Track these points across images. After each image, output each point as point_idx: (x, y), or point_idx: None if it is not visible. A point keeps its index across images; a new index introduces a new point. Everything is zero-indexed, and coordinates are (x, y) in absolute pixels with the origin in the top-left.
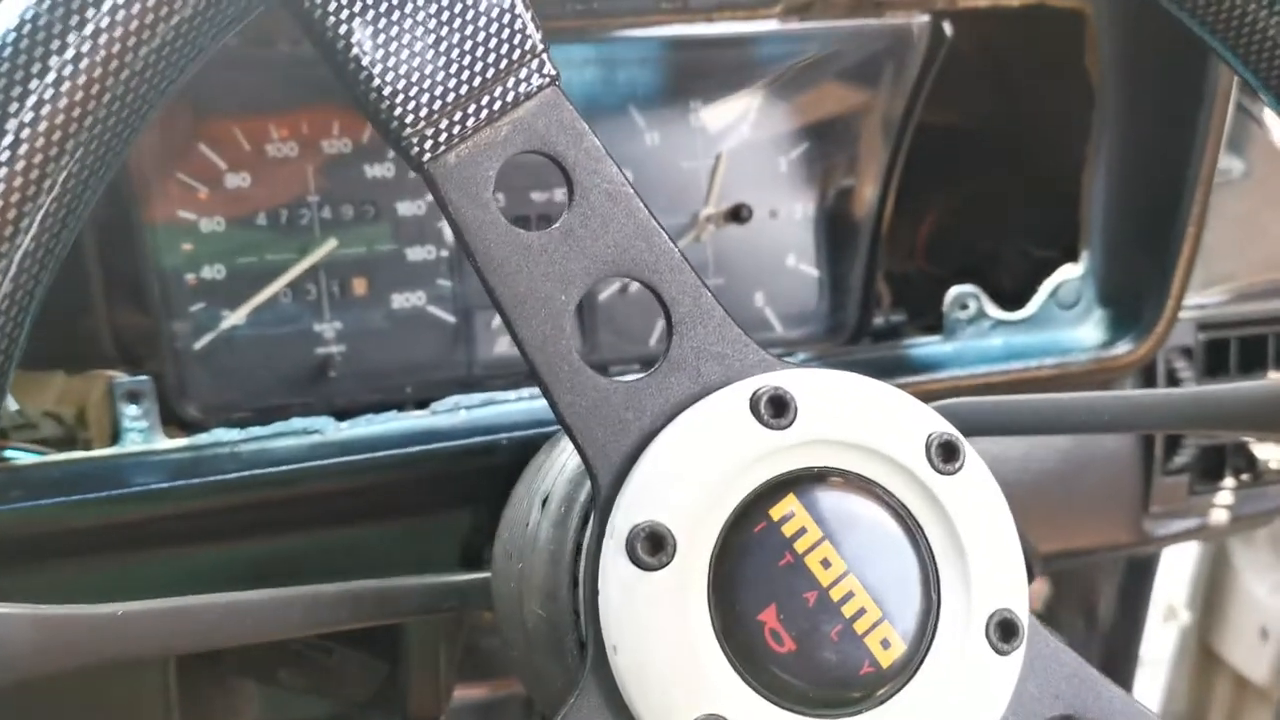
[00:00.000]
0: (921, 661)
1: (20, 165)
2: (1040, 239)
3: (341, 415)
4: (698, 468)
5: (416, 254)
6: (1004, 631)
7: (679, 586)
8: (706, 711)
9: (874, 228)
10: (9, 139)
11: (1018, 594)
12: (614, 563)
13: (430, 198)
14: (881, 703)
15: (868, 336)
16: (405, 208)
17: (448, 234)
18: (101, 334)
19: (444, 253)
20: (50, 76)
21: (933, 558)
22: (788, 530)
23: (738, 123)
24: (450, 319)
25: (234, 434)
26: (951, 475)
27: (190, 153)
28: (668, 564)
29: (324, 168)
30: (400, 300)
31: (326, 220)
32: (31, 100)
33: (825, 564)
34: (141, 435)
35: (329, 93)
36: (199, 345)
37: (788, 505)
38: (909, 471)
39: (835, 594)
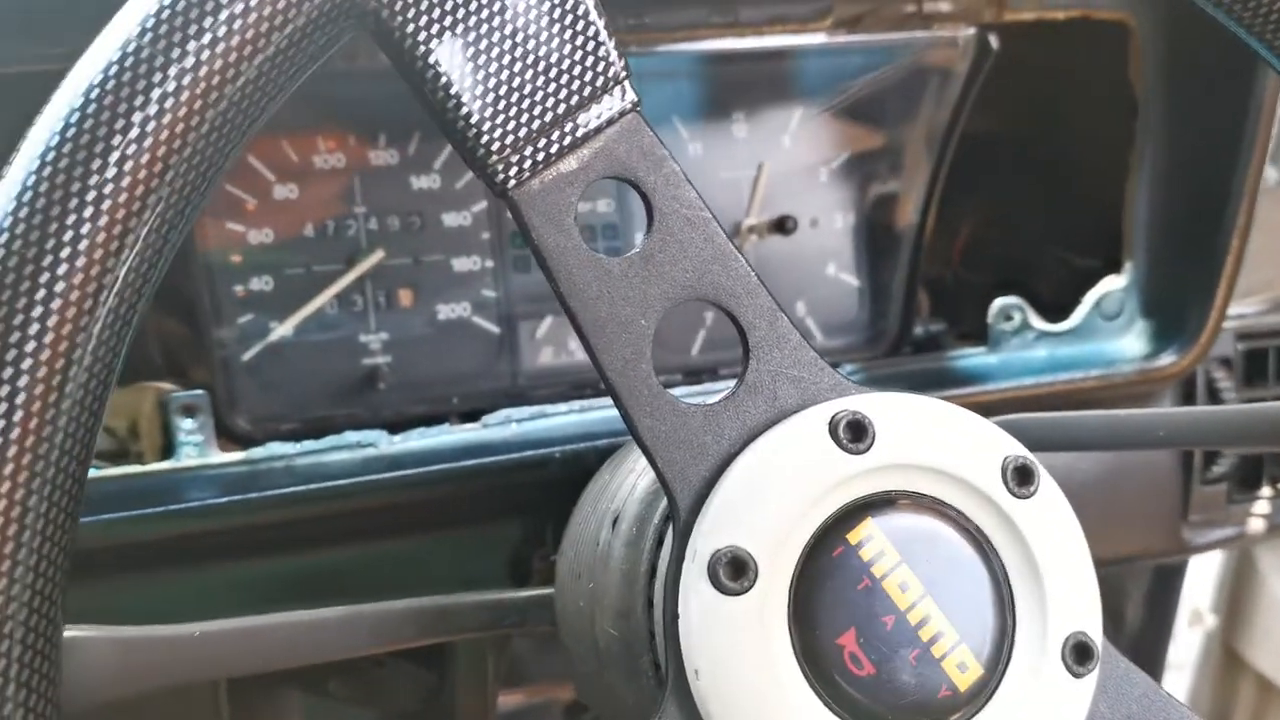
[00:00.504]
0: (998, 685)
1: (124, 194)
2: (1080, 248)
3: (389, 426)
4: (778, 492)
5: (462, 264)
6: (1079, 654)
7: (760, 611)
8: None
9: (916, 237)
10: (113, 170)
11: (1092, 616)
12: (695, 587)
13: (476, 208)
14: None
15: (908, 346)
16: (451, 219)
17: (493, 244)
18: (150, 345)
19: (489, 263)
20: (152, 108)
21: (1008, 581)
22: (866, 554)
23: (779, 133)
24: (495, 329)
25: (288, 448)
26: (1027, 499)
27: (239, 165)
28: (749, 589)
29: (370, 179)
30: (446, 311)
31: (373, 231)
32: (134, 132)
33: (903, 587)
34: (197, 449)
35: (376, 106)
36: (247, 356)
37: (865, 529)
38: (985, 495)
39: (913, 617)
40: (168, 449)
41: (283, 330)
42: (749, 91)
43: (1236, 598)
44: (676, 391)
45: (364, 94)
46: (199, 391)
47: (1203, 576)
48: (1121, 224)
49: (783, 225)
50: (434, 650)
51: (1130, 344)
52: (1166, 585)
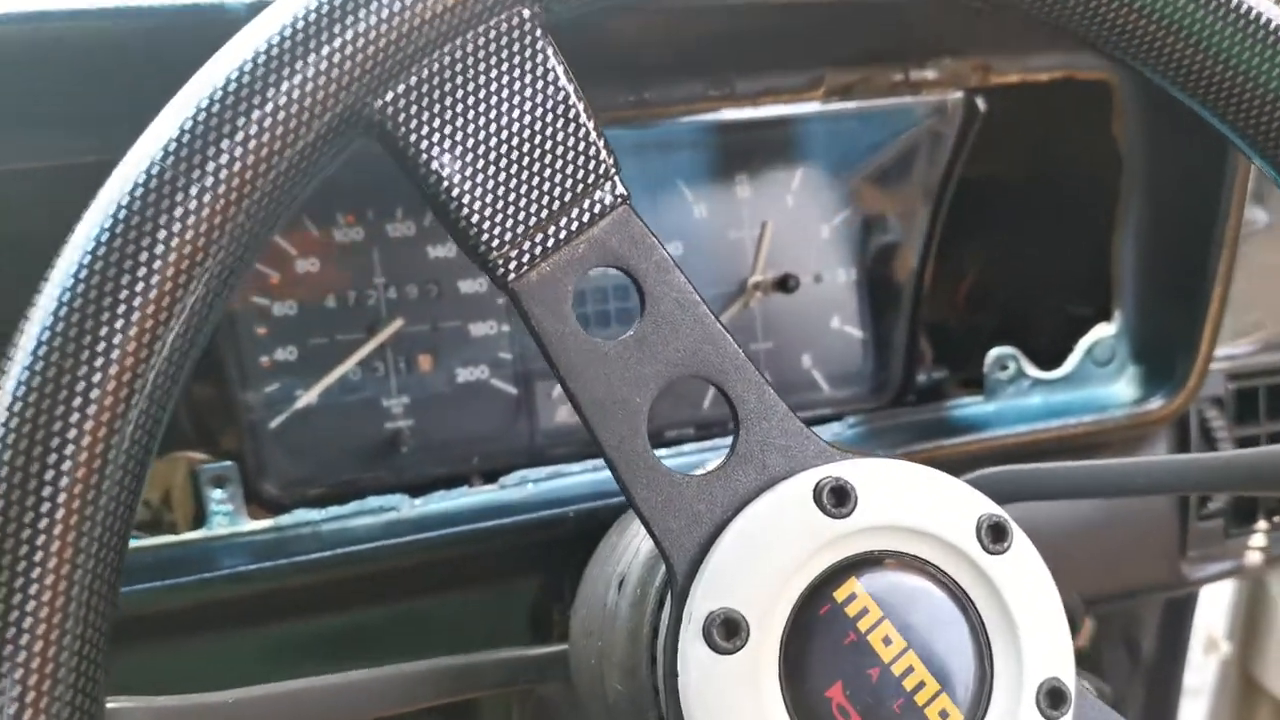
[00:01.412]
0: None
1: (151, 305)
2: (1076, 297)
3: (412, 488)
4: (767, 556)
5: (479, 329)
6: (1053, 699)
7: (752, 668)
8: None
9: (915, 289)
10: (141, 284)
11: (1065, 663)
12: (692, 647)
13: None
14: None
15: (912, 394)
16: (467, 286)
17: (508, 308)
18: (181, 416)
19: (505, 327)
20: (176, 225)
21: (985, 632)
22: (851, 611)
23: (782, 193)
24: (512, 390)
25: (315, 514)
26: (1001, 555)
27: None
28: (742, 647)
29: (389, 250)
30: (465, 374)
31: (392, 300)
32: (160, 248)
33: (886, 641)
34: (227, 518)
35: (393, 181)
36: (274, 424)
37: (850, 588)
38: (962, 553)
39: (897, 669)
40: (200, 517)
41: (308, 398)
42: (752, 155)
43: (1251, 625)
44: (685, 448)
45: (381, 171)
46: (228, 463)
47: (1217, 604)
48: (1111, 273)
49: (785, 284)
50: (460, 702)
51: (1122, 389)
52: (1178, 614)
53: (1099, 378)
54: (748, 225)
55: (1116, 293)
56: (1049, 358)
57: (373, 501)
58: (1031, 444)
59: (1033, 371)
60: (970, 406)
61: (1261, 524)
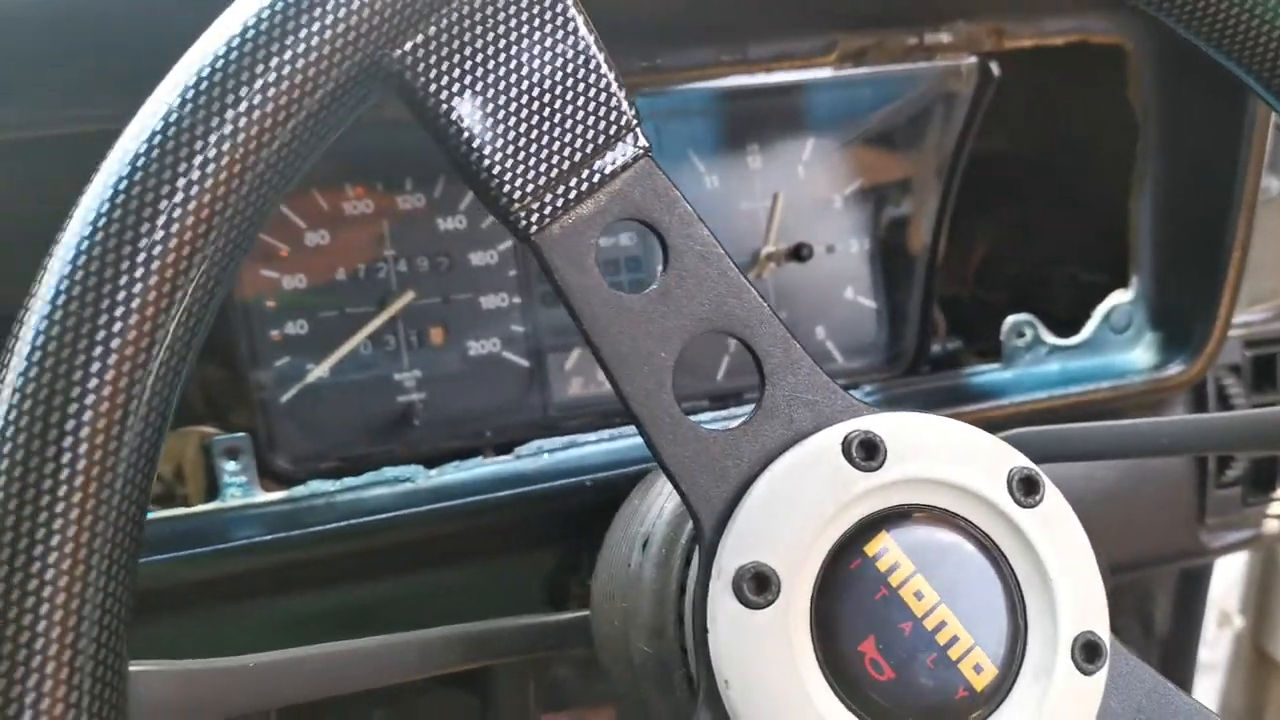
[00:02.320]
0: (1013, 684)
1: (172, 254)
2: (1091, 264)
3: (425, 461)
4: (797, 510)
5: (490, 301)
6: (1088, 653)
7: (784, 622)
8: None
9: (929, 259)
10: (160, 233)
11: (1099, 616)
12: (722, 602)
13: (502, 247)
14: None
15: (927, 364)
16: (478, 258)
17: (519, 281)
18: (191, 391)
19: (516, 299)
20: (195, 174)
21: (1018, 586)
22: (882, 565)
23: (793, 163)
24: (524, 363)
25: (329, 485)
26: (1033, 508)
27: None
28: (773, 602)
29: (399, 223)
30: (476, 347)
31: (403, 273)
32: (179, 196)
33: (919, 596)
34: (241, 490)
35: (402, 153)
36: (285, 399)
37: (881, 542)
38: (993, 505)
39: (929, 623)
40: (212, 490)
41: (319, 371)
42: (762, 125)
43: (1264, 599)
44: (702, 416)
45: (390, 142)
46: (241, 434)
47: (1229, 577)
48: (1128, 239)
49: (798, 253)
50: (476, 675)
51: (1140, 355)
52: (1192, 587)
53: (1116, 344)
54: (759, 196)
55: (1133, 259)
56: (1066, 325)
57: (388, 472)
58: (1049, 410)
59: (1050, 338)
60: (988, 374)
61: None
